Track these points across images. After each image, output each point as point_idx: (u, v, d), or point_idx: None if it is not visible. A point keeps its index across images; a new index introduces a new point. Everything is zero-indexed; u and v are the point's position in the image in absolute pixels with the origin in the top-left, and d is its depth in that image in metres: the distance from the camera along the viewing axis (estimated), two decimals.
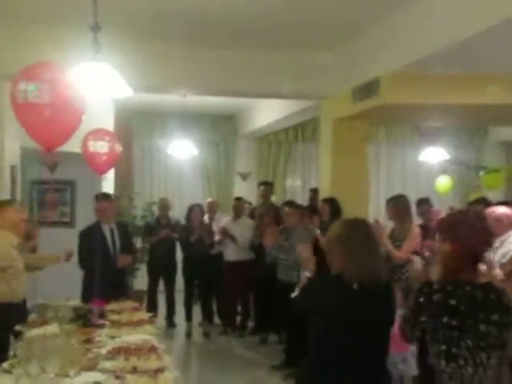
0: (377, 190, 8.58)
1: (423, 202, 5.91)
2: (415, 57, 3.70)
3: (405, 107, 4.36)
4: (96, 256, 3.91)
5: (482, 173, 6.59)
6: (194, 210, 5.92)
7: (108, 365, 2.40)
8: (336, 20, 4.13)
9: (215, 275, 5.84)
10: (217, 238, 5.84)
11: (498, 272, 3.04)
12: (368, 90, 4.33)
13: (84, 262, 4.17)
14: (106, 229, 4.27)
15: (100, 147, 4.30)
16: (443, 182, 7.56)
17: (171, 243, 6.10)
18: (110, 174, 6.34)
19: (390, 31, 4.05)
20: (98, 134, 4.47)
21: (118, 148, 4.55)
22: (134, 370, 2.32)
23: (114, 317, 3.32)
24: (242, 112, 8.31)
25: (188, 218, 5.94)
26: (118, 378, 2.22)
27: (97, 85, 2.68)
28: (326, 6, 3.88)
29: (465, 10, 3.17)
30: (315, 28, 4.34)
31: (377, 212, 7.39)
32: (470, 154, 8.51)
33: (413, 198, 6.57)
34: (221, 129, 8.58)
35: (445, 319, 1.81)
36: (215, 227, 6.03)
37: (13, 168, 4.71)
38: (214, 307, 6.19)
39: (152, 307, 6.11)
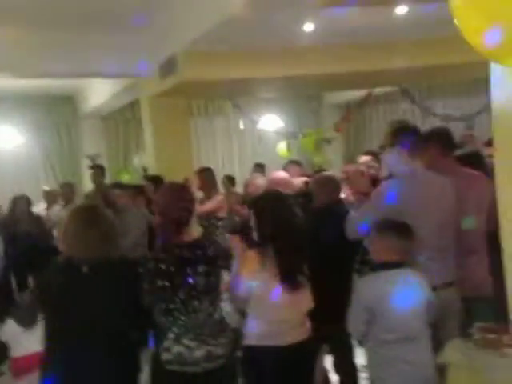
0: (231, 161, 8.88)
1: (257, 167, 6.32)
2: (197, 33, 3.83)
3: (204, 83, 4.52)
4: None
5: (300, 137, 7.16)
6: (16, 202, 5.61)
7: None
8: None
9: None
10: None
11: None
12: (169, 67, 4.41)
13: None
14: None
15: None
16: (282, 148, 8.05)
17: None
18: None
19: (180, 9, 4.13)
20: None
21: None
22: None
23: None
24: (81, 91, 7.94)
25: (12, 209, 5.62)
26: None
27: None
28: None
29: None
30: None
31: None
32: (308, 118, 9.13)
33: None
34: (59, 111, 8.12)
35: (159, 282, 2.03)
36: (53, 217, 5.79)
37: None
38: None
39: None
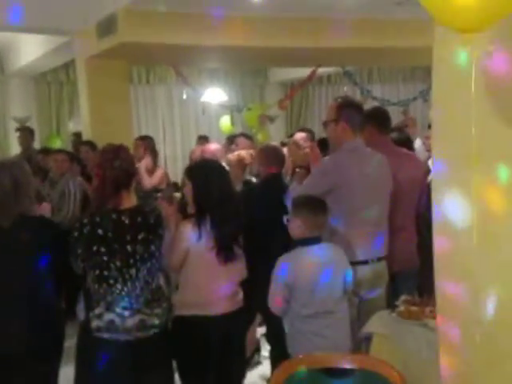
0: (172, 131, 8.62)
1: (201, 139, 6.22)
2: None
3: (145, 46, 4.28)
4: None
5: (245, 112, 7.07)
6: None
7: None
8: None
9: None
10: None
11: None
12: (108, 26, 4.14)
13: None
14: None
15: None
16: (226, 122, 7.93)
17: None
18: None
19: None
20: None
21: None
22: None
23: None
24: (8, 47, 7.31)
25: None
26: None
27: None
28: None
29: None
30: None
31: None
32: (253, 94, 9.05)
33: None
34: None
35: (94, 248, 1.93)
36: None
37: None
38: None
39: None
